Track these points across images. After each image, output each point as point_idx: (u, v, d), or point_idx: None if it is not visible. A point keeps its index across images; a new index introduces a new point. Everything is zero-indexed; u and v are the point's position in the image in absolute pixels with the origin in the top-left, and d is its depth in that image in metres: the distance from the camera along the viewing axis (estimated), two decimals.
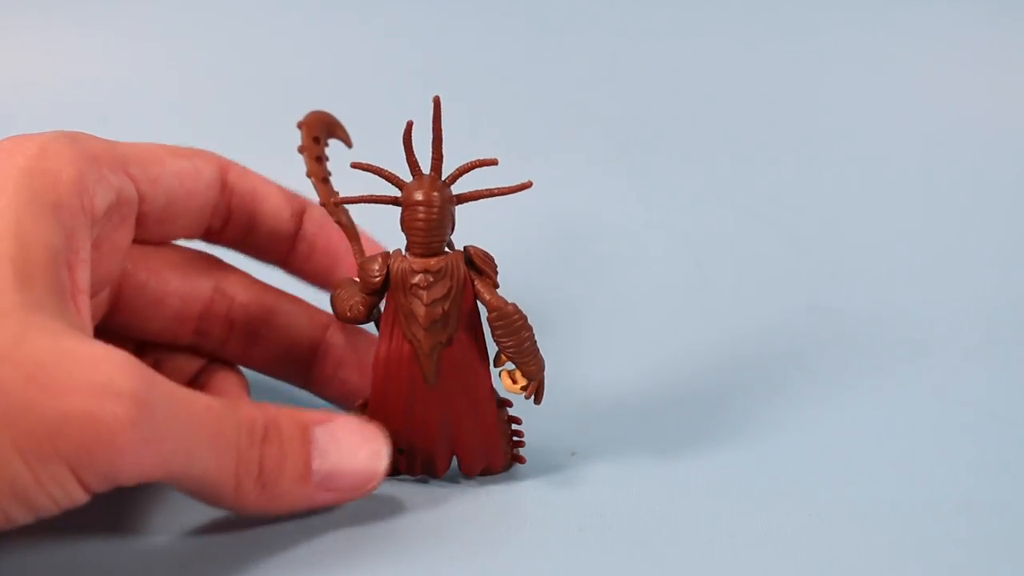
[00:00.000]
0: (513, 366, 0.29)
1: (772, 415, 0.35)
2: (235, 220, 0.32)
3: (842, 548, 0.27)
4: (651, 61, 0.57)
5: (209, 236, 0.32)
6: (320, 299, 0.34)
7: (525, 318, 0.28)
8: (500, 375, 0.30)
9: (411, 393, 0.29)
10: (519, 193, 0.28)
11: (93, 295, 0.28)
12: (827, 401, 0.36)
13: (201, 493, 0.26)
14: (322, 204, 0.32)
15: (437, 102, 0.28)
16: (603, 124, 0.56)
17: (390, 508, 0.29)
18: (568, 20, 0.57)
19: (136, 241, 0.30)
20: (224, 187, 0.31)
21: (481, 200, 0.29)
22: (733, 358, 0.39)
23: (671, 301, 0.45)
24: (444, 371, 0.29)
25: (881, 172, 0.54)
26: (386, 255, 0.29)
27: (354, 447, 0.28)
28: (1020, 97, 0.56)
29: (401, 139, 0.28)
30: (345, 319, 0.30)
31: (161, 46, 0.57)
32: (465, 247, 0.29)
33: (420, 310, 0.28)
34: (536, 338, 0.29)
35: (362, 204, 0.29)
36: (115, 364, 0.23)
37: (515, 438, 0.31)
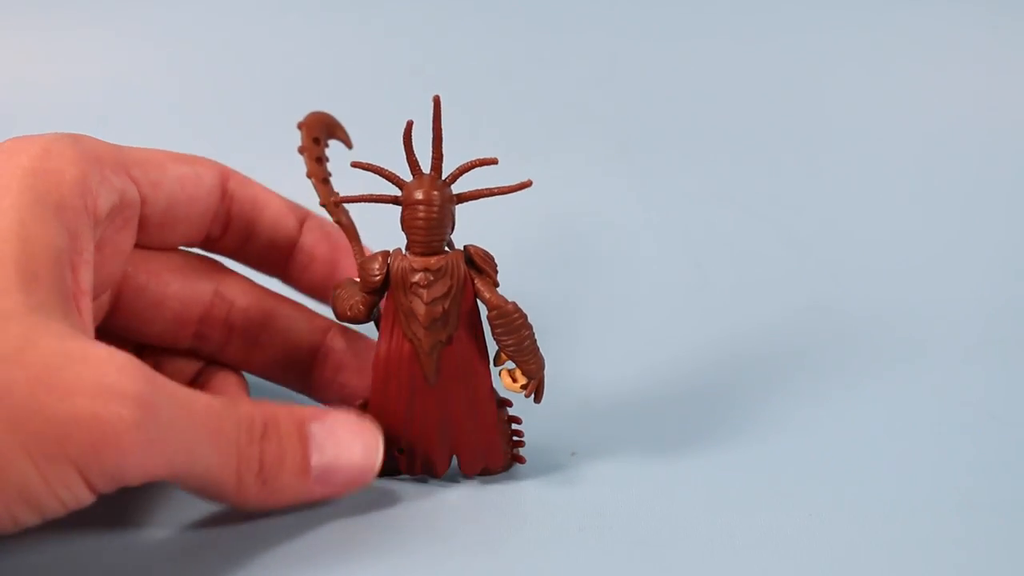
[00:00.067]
0: (513, 365, 0.29)
1: (772, 415, 0.35)
2: (234, 228, 0.32)
3: (842, 548, 0.27)
4: (651, 61, 0.57)
5: (208, 244, 0.32)
6: (319, 307, 0.34)
7: (525, 316, 0.28)
8: (500, 374, 0.30)
9: (411, 392, 0.29)
10: (519, 193, 0.28)
11: (95, 297, 0.28)
12: (827, 401, 0.36)
13: (203, 490, 0.26)
14: (322, 205, 0.32)
15: (437, 101, 0.28)
16: (603, 124, 0.56)
17: (390, 507, 0.29)
18: (568, 20, 0.57)
19: (136, 246, 0.30)
20: (224, 194, 0.31)
21: (481, 199, 0.29)
22: (733, 358, 0.40)
23: (671, 301, 0.45)
24: (444, 370, 0.29)
25: (881, 172, 0.54)
26: (386, 254, 0.29)
27: (350, 442, 0.28)
28: (1020, 97, 0.56)
29: (401, 139, 0.28)
30: (345, 318, 0.30)
31: (161, 46, 0.57)
32: (465, 246, 0.29)
33: (420, 309, 0.28)
34: (536, 337, 0.29)
35: (362, 204, 0.29)
36: (118, 366, 0.23)
37: (515, 438, 0.31)
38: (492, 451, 0.30)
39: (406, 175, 0.29)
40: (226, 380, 0.32)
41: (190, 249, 0.32)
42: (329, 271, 0.33)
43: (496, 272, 0.29)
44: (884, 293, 0.45)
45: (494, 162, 0.28)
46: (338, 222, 0.32)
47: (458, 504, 0.29)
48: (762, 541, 0.28)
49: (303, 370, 0.33)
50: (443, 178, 0.28)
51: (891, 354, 0.40)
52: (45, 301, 0.23)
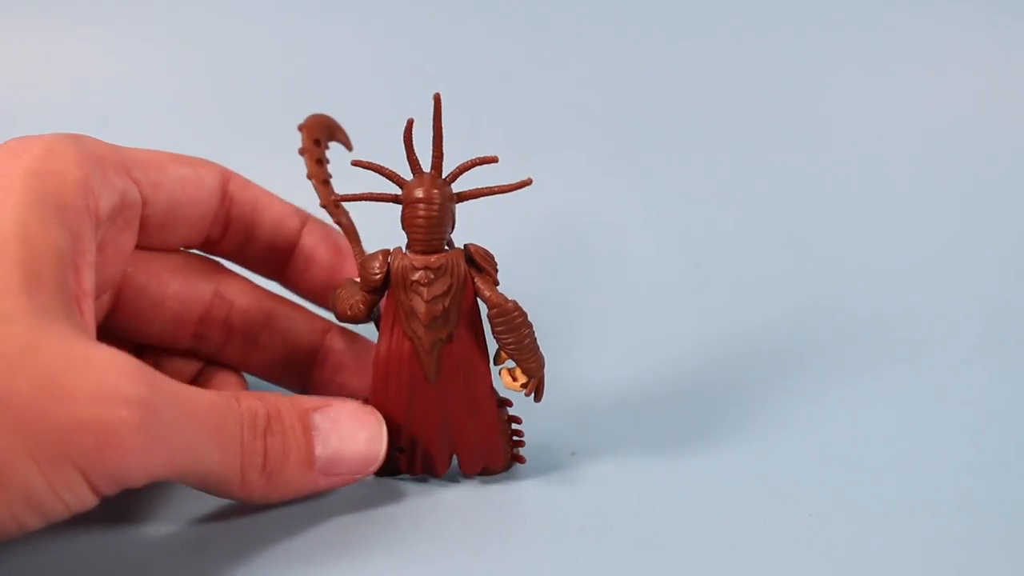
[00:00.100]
0: (513, 364, 0.29)
1: (772, 415, 0.35)
2: (234, 230, 0.32)
3: (842, 548, 0.27)
4: (651, 61, 0.57)
5: (208, 245, 0.32)
6: (318, 310, 0.34)
7: (525, 315, 0.29)
8: (500, 373, 0.30)
9: (411, 391, 0.29)
10: (519, 193, 0.28)
11: (95, 298, 0.28)
12: (827, 401, 0.36)
13: (207, 486, 0.26)
14: (322, 206, 0.32)
15: (438, 100, 0.28)
16: (603, 124, 0.56)
17: (390, 506, 0.29)
18: (568, 20, 0.57)
19: (136, 247, 0.30)
20: (225, 196, 0.31)
21: (482, 198, 0.29)
22: (733, 358, 0.40)
23: (671, 301, 0.45)
24: (445, 369, 0.29)
25: (881, 171, 0.54)
26: (386, 252, 0.29)
27: (354, 431, 0.28)
28: (1020, 97, 0.56)
29: (401, 138, 0.28)
30: (345, 318, 0.30)
31: (161, 46, 0.57)
32: (465, 245, 0.29)
33: (421, 307, 0.28)
34: (536, 336, 0.29)
35: (363, 203, 0.29)
36: (121, 369, 0.23)
37: (515, 438, 0.31)
38: (492, 450, 0.30)
39: (407, 174, 0.29)
40: (225, 380, 0.32)
41: (190, 250, 0.32)
42: (328, 275, 0.33)
43: (496, 271, 0.29)
44: (884, 293, 0.45)
45: (494, 160, 0.28)
46: (338, 223, 0.32)
47: (458, 503, 0.29)
48: (762, 541, 0.28)
49: (302, 371, 0.33)
50: (443, 177, 0.28)
51: (891, 354, 0.40)
52: (48, 303, 0.23)
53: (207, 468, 0.25)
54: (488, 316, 0.28)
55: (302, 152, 0.32)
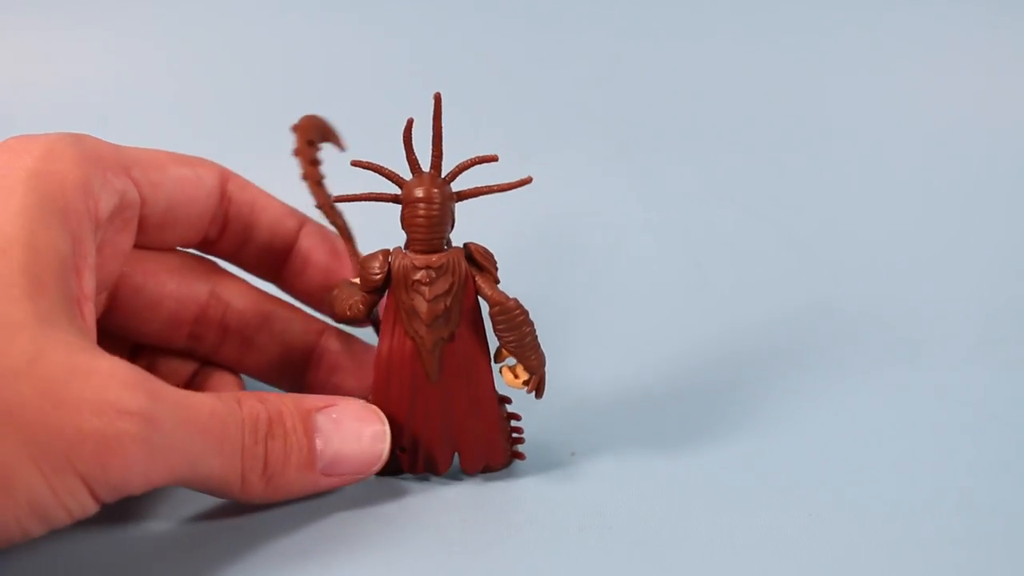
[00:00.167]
0: (514, 361, 0.29)
1: (772, 414, 0.35)
2: (231, 230, 0.32)
3: (842, 548, 0.27)
4: (651, 61, 0.57)
5: (205, 245, 0.32)
6: (314, 312, 0.34)
7: (526, 313, 0.29)
8: (501, 371, 0.30)
9: (413, 390, 0.29)
10: (520, 192, 0.28)
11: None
12: (827, 401, 0.36)
13: (208, 490, 0.26)
14: (318, 207, 0.32)
15: (438, 99, 0.28)
16: (603, 124, 0.56)
17: (391, 505, 0.29)
18: (568, 20, 0.57)
19: (134, 247, 0.30)
20: (223, 196, 0.31)
21: (482, 198, 0.29)
22: (733, 358, 0.39)
23: (671, 300, 0.45)
24: (446, 367, 0.29)
25: (881, 171, 0.54)
26: (386, 252, 0.29)
27: (357, 430, 0.28)
28: (1020, 97, 0.56)
29: (401, 138, 0.28)
30: (344, 318, 0.30)
31: (161, 46, 0.57)
32: (465, 244, 0.29)
33: (422, 306, 0.28)
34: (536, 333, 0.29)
35: (359, 204, 0.29)
36: (123, 380, 0.23)
37: (514, 435, 0.31)
38: (494, 448, 0.30)
39: (406, 174, 0.29)
40: (222, 380, 0.32)
41: (186, 250, 0.32)
42: (325, 277, 0.33)
43: (496, 269, 0.29)
44: (884, 293, 0.45)
45: (494, 159, 0.28)
46: (333, 223, 0.32)
47: (458, 502, 0.29)
48: (762, 541, 0.28)
49: (298, 372, 0.33)
50: (443, 176, 0.28)
51: (891, 354, 0.40)
52: (52, 309, 0.24)
53: (208, 473, 0.25)
54: (490, 314, 0.29)
55: (296, 153, 0.32)
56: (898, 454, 0.32)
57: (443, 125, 0.28)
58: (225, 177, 0.31)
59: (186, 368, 0.32)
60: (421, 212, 0.28)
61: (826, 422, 0.35)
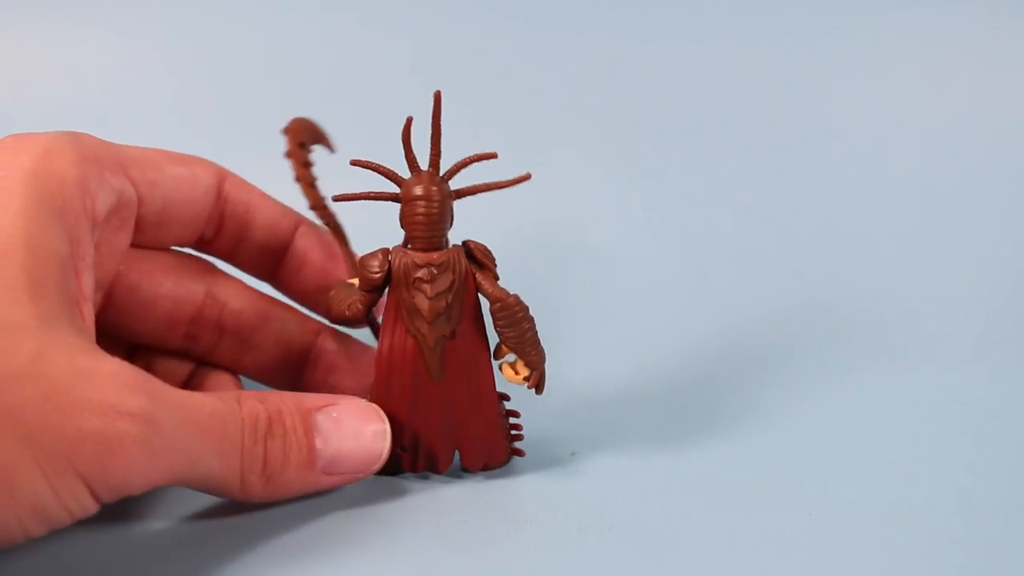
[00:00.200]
0: (513, 358, 0.30)
1: (772, 414, 0.35)
2: (227, 230, 0.32)
3: (842, 548, 0.27)
4: (651, 61, 0.57)
5: (201, 245, 0.32)
6: (309, 313, 0.34)
7: (527, 309, 0.29)
8: (502, 367, 0.30)
9: (415, 388, 0.29)
10: (520, 193, 0.28)
11: None
12: (827, 401, 0.36)
13: (207, 489, 0.26)
14: (311, 208, 0.32)
15: (438, 97, 0.28)
16: (603, 124, 0.56)
17: (390, 503, 0.29)
18: (568, 20, 0.57)
19: (130, 245, 0.30)
20: (220, 196, 0.31)
21: (483, 199, 0.29)
22: (732, 358, 0.39)
23: (671, 300, 0.45)
24: (448, 365, 0.29)
25: (881, 171, 0.54)
26: (386, 251, 0.29)
27: (357, 429, 0.28)
28: (1020, 97, 0.56)
29: (400, 138, 0.28)
30: (343, 319, 0.30)
31: (161, 46, 0.57)
32: (464, 241, 0.29)
33: (424, 304, 0.28)
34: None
35: (358, 204, 0.29)
36: (124, 382, 0.23)
37: (513, 431, 0.31)
38: (495, 445, 0.30)
39: (405, 173, 0.29)
40: (220, 379, 0.32)
41: (183, 249, 0.32)
42: (321, 277, 0.33)
43: (495, 266, 0.29)
44: (884, 293, 0.45)
45: (493, 156, 0.28)
46: (327, 225, 0.32)
47: (458, 501, 0.29)
48: (762, 541, 0.28)
49: (294, 372, 0.33)
50: (441, 174, 0.28)
51: (891, 353, 0.40)
52: (53, 310, 0.24)
53: (208, 473, 0.25)
54: (491, 311, 0.29)
55: (288, 156, 0.32)
56: (898, 454, 0.32)
57: (444, 125, 0.28)
58: (222, 176, 0.31)
59: (183, 368, 0.32)
60: (420, 210, 0.28)
61: (826, 422, 0.34)
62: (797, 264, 0.48)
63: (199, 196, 0.30)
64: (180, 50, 0.56)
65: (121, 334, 0.31)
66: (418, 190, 0.28)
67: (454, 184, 0.29)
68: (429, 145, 0.28)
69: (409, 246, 0.29)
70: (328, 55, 0.56)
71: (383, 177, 0.29)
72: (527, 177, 0.28)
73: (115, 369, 0.24)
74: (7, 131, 0.28)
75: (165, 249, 0.32)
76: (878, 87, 0.56)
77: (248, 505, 0.28)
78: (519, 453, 0.31)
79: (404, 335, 0.29)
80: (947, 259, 0.48)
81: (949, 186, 0.53)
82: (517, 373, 0.30)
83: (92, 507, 0.23)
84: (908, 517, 0.29)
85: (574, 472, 0.31)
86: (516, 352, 0.29)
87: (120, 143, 0.29)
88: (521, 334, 0.29)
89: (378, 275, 0.29)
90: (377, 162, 0.29)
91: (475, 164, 0.29)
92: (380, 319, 0.30)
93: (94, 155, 0.27)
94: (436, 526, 0.28)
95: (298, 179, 0.32)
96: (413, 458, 0.30)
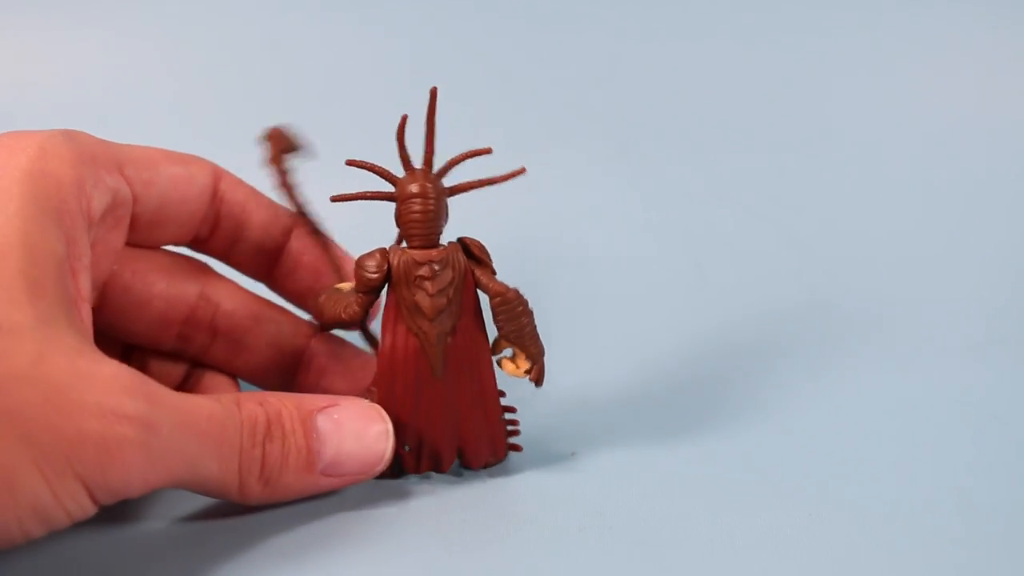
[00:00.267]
0: (511, 353, 0.30)
1: (772, 414, 0.35)
2: (222, 229, 0.32)
3: (842, 548, 0.27)
4: (651, 61, 0.57)
5: (196, 244, 0.32)
6: (303, 314, 0.34)
7: (526, 303, 0.29)
8: (501, 362, 0.30)
9: (417, 386, 0.29)
10: (520, 193, 0.29)
11: None
12: (827, 401, 0.36)
13: (206, 492, 0.26)
14: (296, 214, 0.32)
15: (434, 93, 0.28)
16: (603, 124, 0.56)
17: (390, 504, 0.29)
18: (568, 20, 0.57)
19: (124, 244, 0.30)
20: (215, 196, 0.31)
21: (482, 198, 0.29)
22: (733, 357, 0.39)
23: (671, 300, 0.45)
24: (450, 363, 0.29)
25: (881, 171, 0.54)
26: (384, 251, 0.29)
27: (359, 430, 0.28)
28: (1020, 97, 0.56)
29: (395, 135, 0.28)
30: (339, 322, 0.30)
31: (160, 46, 0.57)
32: (460, 238, 0.29)
33: (425, 301, 0.28)
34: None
35: (352, 204, 0.29)
36: (124, 385, 0.23)
37: (509, 427, 0.31)
38: (497, 442, 0.30)
39: (399, 172, 0.29)
40: (216, 380, 0.32)
41: (177, 249, 0.32)
42: (315, 278, 0.33)
43: (491, 261, 0.29)
44: (884, 292, 0.45)
45: (488, 151, 0.28)
46: (310, 230, 0.32)
47: (459, 502, 0.29)
48: (762, 541, 0.28)
49: (287, 374, 0.33)
50: (434, 172, 0.29)
51: (891, 353, 0.40)
52: (52, 311, 0.24)
53: (206, 476, 0.25)
54: (491, 305, 0.29)
55: (270, 162, 0.32)
56: (898, 454, 0.32)
57: (443, 126, 0.28)
58: (218, 175, 0.31)
59: (178, 369, 0.32)
60: (417, 207, 0.28)
61: (826, 422, 0.34)
62: (797, 264, 0.48)
63: (195, 195, 0.30)
64: (180, 50, 0.56)
65: (115, 334, 0.31)
66: (414, 188, 0.28)
67: (447, 181, 0.29)
68: (424, 143, 0.28)
69: (405, 244, 0.29)
70: (328, 55, 0.56)
71: (378, 176, 0.29)
72: (522, 171, 0.28)
73: (114, 371, 0.24)
74: (7, 131, 0.28)
75: (159, 249, 0.32)
76: (878, 87, 0.56)
77: (248, 507, 0.28)
78: (516, 448, 0.31)
79: (406, 334, 0.29)
80: (947, 259, 0.48)
81: (949, 186, 0.53)
82: (517, 367, 0.30)
83: (91, 509, 0.23)
84: (908, 517, 0.29)
85: (574, 472, 0.31)
86: (516, 345, 0.29)
87: (120, 143, 0.29)
88: (521, 328, 0.29)
89: (376, 275, 0.29)
90: (372, 162, 0.28)
91: (470, 162, 0.29)
92: (371, 324, 0.30)
93: (90, 154, 0.27)
94: (436, 526, 0.28)
95: (280, 186, 0.32)
96: (417, 458, 0.30)
